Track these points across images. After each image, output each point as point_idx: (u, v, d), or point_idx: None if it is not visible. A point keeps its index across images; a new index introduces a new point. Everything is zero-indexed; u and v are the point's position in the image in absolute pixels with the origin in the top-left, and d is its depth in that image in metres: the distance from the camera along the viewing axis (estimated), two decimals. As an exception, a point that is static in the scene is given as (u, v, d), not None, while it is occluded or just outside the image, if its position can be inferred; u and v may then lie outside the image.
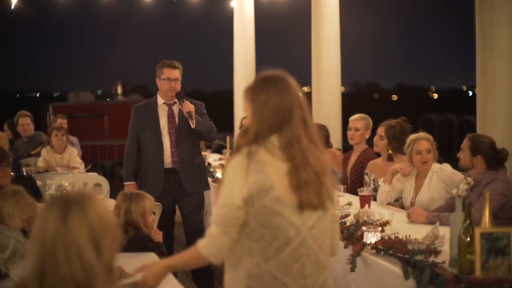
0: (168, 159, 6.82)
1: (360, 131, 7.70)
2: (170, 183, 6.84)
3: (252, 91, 3.18)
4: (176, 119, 6.86)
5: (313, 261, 3.15)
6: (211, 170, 9.19)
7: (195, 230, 6.94)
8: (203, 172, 7.13)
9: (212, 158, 10.75)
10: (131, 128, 7.01)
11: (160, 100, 6.91)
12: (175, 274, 6.59)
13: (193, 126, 6.69)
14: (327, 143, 8.54)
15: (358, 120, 7.76)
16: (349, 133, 7.81)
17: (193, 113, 6.67)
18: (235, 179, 3.06)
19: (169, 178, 6.84)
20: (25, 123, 10.26)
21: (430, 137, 6.40)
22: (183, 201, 6.94)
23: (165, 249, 5.86)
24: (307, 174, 3.05)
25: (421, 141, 6.31)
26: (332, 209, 3.25)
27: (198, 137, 6.93)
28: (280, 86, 3.14)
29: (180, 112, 6.81)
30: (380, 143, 7.16)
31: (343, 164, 8.06)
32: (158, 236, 5.17)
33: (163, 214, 6.62)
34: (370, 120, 7.79)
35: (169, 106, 6.88)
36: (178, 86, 6.83)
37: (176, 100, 6.82)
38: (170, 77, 6.80)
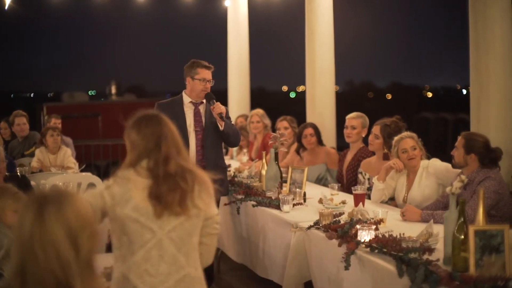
0: (193, 158, 6.70)
1: (356, 129, 7.72)
2: None
3: (128, 127, 3.75)
4: (203, 119, 6.80)
5: (167, 261, 3.54)
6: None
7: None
8: (225, 177, 7.06)
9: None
10: None
11: (186, 99, 6.84)
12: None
13: (221, 128, 6.63)
14: (320, 142, 8.55)
15: (355, 118, 7.78)
16: (345, 131, 7.83)
17: (224, 115, 6.63)
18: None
19: None
20: (21, 122, 10.26)
21: (414, 134, 6.53)
22: None
23: None
24: (167, 187, 3.51)
25: (405, 139, 6.42)
26: (199, 216, 3.66)
27: (223, 140, 6.87)
28: (151, 121, 3.74)
29: (207, 112, 6.76)
30: (375, 142, 7.17)
31: (339, 162, 8.07)
32: None
33: None
34: (367, 119, 7.81)
35: (196, 105, 6.82)
36: (210, 87, 6.81)
37: (202, 100, 6.78)
38: (206, 77, 6.76)
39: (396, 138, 6.53)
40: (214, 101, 6.67)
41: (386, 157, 7.07)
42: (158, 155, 3.59)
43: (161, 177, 3.54)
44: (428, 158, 6.49)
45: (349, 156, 7.86)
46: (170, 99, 7.01)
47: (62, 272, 2.42)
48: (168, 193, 3.52)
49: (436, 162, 6.33)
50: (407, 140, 6.42)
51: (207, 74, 6.78)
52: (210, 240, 3.81)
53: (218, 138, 6.81)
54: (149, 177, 3.56)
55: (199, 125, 6.78)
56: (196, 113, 6.81)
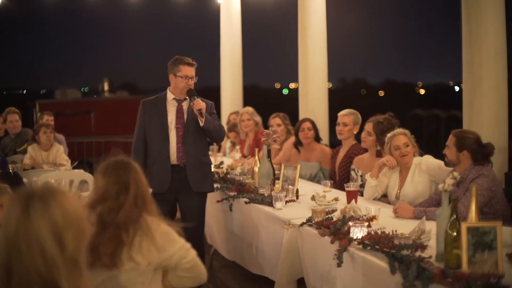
0: (173, 154, 6.71)
1: (348, 126, 7.72)
2: (175, 181, 6.72)
3: (97, 170, 3.76)
4: (185, 115, 6.78)
5: None
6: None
7: (193, 237, 6.83)
8: (209, 173, 6.98)
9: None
10: (138, 122, 6.90)
11: (170, 96, 6.83)
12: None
13: (201, 124, 6.61)
14: (317, 138, 8.56)
15: (346, 115, 7.78)
16: (337, 128, 7.83)
17: (204, 111, 6.61)
18: None
19: (175, 176, 6.73)
20: (13, 119, 10.23)
21: (407, 131, 6.53)
22: (185, 200, 6.79)
23: None
24: (107, 237, 3.50)
25: (398, 136, 6.43)
26: (137, 269, 3.55)
27: (206, 136, 6.85)
28: (118, 169, 3.70)
29: (190, 108, 6.74)
30: (368, 139, 7.17)
31: (331, 159, 8.07)
32: None
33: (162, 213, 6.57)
34: (359, 116, 7.81)
35: (179, 102, 6.81)
36: (192, 84, 6.77)
37: (186, 97, 6.77)
38: (188, 74, 6.72)
39: (389, 135, 6.53)
40: (195, 97, 6.65)
41: (378, 154, 7.07)
42: (113, 203, 3.60)
43: (106, 226, 3.55)
44: (421, 155, 6.50)
45: (341, 153, 7.86)
46: (155, 96, 6.99)
47: (47, 269, 2.41)
48: (103, 244, 3.50)
49: (428, 159, 6.33)
50: (400, 137, 6.42)
51: (189, 71, 6.75)
52: (190, 272, 3.75)
53: (201, 135, 6.78)
54: (96, 224, 3.55)
55: (180, 122, 6.77)
56: (179, 110, 6.81)
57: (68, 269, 2.45)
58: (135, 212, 3.60)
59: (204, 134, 6.77)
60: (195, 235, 6.75)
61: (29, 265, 2.40)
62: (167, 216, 6.66)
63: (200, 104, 6.60)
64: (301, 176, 7.21)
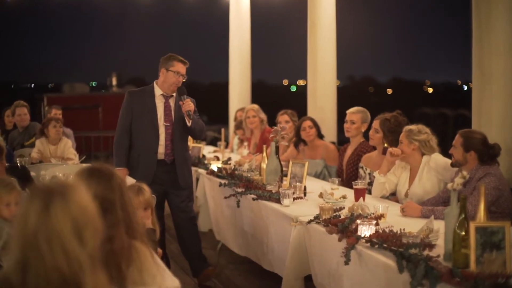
0: (161, 151, 6.87)
1: (356, 124, 7.71)
2: (160, 173, 6.90)
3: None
4: (173, 113, 6.89)
5: None
6: (206, 162, 9.19)
7: (187, 218, 7.13)
8: (190, 168, 7.27)
9: (206, 151, 10.75)
10: (124, 112, 6.97)
11: (157, 91, 6.91)
12: (168, 266, 6.62)
13: (189, 124, 6.77)
14: (320, 135, 8.56)
15: (354, 113, 7.78)
16: (345, 125, 7.83)
17: (192, 112, 6.71)
18: None
19: (159, 169, 6.90)
20: (22, 113, 10.24)
21: (422, 129, 6.44)
22: (174, 193, 7.03)
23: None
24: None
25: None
26: None
27: (188, 133, 7.06)
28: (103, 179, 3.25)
29: (177, 106, 6.83)
30: (376, 137, 7.15)
31: (339, 157, 8.07)
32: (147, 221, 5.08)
33: None
34: (368, 114, 7.79)
35: (166, 98, 6.90)
36: (181, 83, 6.90)
37: (173, 94, 6.84)
38: (180, 71, 6.85)
39: (408, 126, 6.53)
40: (185, 97, 6.76)
41: (385, 152, 7.05)
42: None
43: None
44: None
45: (349, 151, 7.85)
46: (141, 88, 7.12)
47: (69, 267, 2.36)
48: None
49: (437, 157, 6.32)
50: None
51: (182, 68, 6.88)
52: None
53: (185, 132, 7.00)
54: None
55: (169, 120, 6.91)
56: (166, 107, 6.93)
57: (91, 267, 2.42)
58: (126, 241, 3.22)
59: (187, 131, 6.97)
60: (190, 221, 7.22)
61: (49, 264, 2.35)
62: (157, 207, 6.82)
63: (189, 105, 6.74)
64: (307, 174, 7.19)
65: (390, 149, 6.49)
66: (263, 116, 10.17)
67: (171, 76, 6.82)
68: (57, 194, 2.43)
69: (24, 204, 2.46)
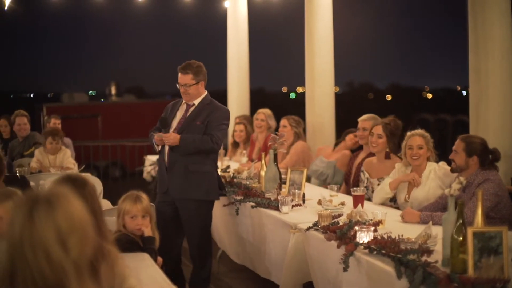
0: (167, 160, 6.76)
1: (368, 130, 7.69)
2: (169, 184, 6.79)
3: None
4: (183, 121, 6.82)
5: None
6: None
7: (193, 243, 6.90)
8: (203, 180, 6.79)
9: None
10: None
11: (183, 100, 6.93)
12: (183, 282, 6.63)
13: (156, 149, 6.77)
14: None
15: (366, 120, 7.80)
16: (358, 133, 7.87)
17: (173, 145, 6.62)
18: None
19: (169, 179, 6.79)
20: (22, 122, 10.23)
21: (425, 133, 6.46)
22: (181, 206, 6.80)
23: (170, 258, 5.82)
24: None
25: (414, 137, 6.42)
26: None
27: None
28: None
29: (191, 115, 6.76)
30: (379, 142, 7.09)
31: (350, 161, 8.05)
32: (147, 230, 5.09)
33: (162, 217, 6.63)
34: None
35: (188, 106, 6.84)
36: (190, 90, 6.76)
37: (194, 102, 6.79)
38: (180, 82, 6.76)
39: (408, 133, 6.52)
40: (168, 130, 6.72)
41: (387, 156, 7.05)
42: None
43: None
44: (437, 161, 6.47)
45: (362, 155, 7.83)
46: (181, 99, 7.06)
47: (54, 274, 2.37)
48: None
49: (444, 166, 6.31)
50: (416, 138, 6.40)
51: (180, 78, 6.77)
52: None
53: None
54: None
55: (177, 129, 6.77)
56: (183, 116, 6.85)
57: (76, 274, 2.42)
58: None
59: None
60: (196, 248, 6.85)
61: (35, 271, 2.36)
62: (168, 221, 6.74)
63: (170, 140, 6.60)
64: (313, 170, 7.16)
65: (411, 180, 6.43)
66: (272, 123, 10.09)
67: (179, 87, 6.81)
68: (42, 201, 2.43)
69: (12, 212, 2.48)
